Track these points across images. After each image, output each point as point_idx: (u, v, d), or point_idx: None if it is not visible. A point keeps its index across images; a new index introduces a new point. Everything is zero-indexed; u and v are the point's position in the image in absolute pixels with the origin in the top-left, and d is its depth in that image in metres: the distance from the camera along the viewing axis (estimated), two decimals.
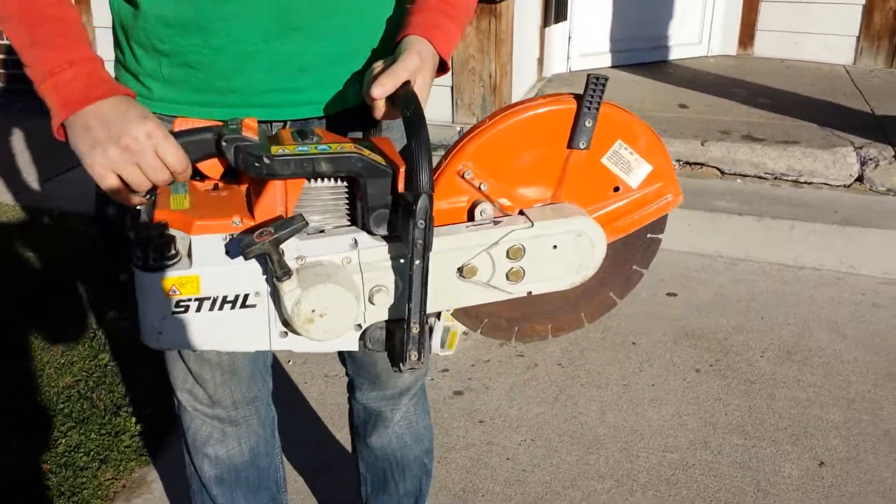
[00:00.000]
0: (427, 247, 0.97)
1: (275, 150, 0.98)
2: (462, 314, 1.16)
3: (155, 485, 2.05)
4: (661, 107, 4.03)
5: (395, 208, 1.01)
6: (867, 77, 4.60)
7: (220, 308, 1.00)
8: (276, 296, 1.00)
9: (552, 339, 2.64)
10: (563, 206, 1.10)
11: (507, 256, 1.07)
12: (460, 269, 1.06)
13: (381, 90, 1.04)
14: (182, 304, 0.98)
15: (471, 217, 1.08)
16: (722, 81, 4.46)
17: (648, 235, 1.19)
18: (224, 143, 0.98)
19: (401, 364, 1.04)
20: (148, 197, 1.03)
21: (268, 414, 1.49)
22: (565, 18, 4.54)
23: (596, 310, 1.23)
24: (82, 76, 0.99)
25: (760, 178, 3.46)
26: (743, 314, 2.81)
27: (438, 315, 1.14)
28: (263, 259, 0.98)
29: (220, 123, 1.01)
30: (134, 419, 2.21)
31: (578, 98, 1.05)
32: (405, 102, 1.03)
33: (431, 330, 1.13)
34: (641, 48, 4.88)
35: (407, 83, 1.05)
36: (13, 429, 2.16)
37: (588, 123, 1.06)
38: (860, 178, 3.38)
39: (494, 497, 2.03)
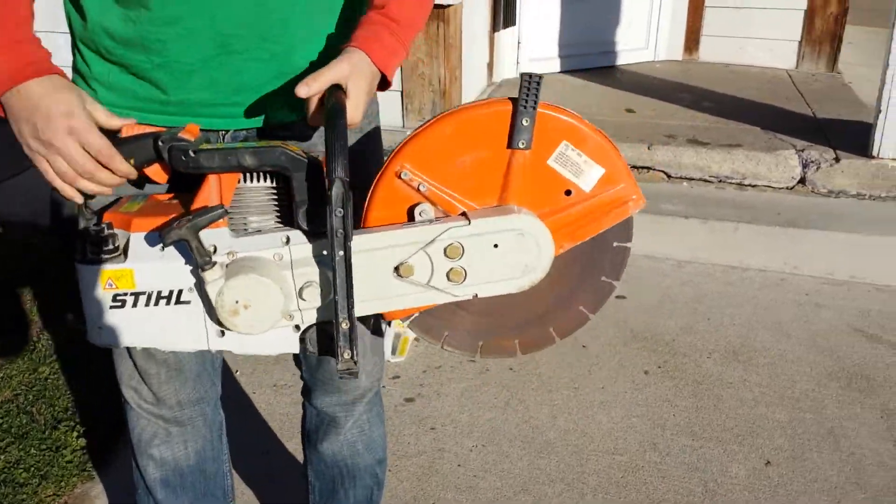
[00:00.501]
0: (347, 236, 0.97)
1: (204, 146, 1.00)
2: (422, 330, 1.15)
3: (98, 500, 2.01)
4: (608, 111, 4.07)
5: (317, 204, 1.02)
6: (809, 81, 4.70)
7: (156, 304, 1.02)
8: (201, 291, 1.02)
9: None
10: (507, 207, 1.09)
11: (446, 255, 1.06)
12: (397, 269, 1.06)
13: (305, 90, 1.04)
14: (119, 297, 1.01)
15: (410, 219, 1.07)
16: (668, 86, 4.52)
17: (615, 244, 1.16)
18: (160, 144, 1.00)
19: (337, 363, 1.03)
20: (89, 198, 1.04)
21: (215, 417, 1.46)
22: (514, 24, 4.56)
23: (566, 325, 1.20)
24: (12, 58, 1.00)
25: (706, 181, 3.52)
26: (690, 316, 2.85)
27: (389, 322, 1.13)
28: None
29: (155, 129, 1.03)
30: (75, 433, 2.15)
31: (514, 99, 1.04)
32: (328, 100, 1.04)
33: (382, 334, 1.12)
34: (590, 53, 4.93)
35: (336, 87, 1.05)
36: None
37: (525, 122, 1.04)
38: (802, 181, 3.45)
39: (446, 503, 2.02)
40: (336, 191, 0.95)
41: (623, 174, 1.11)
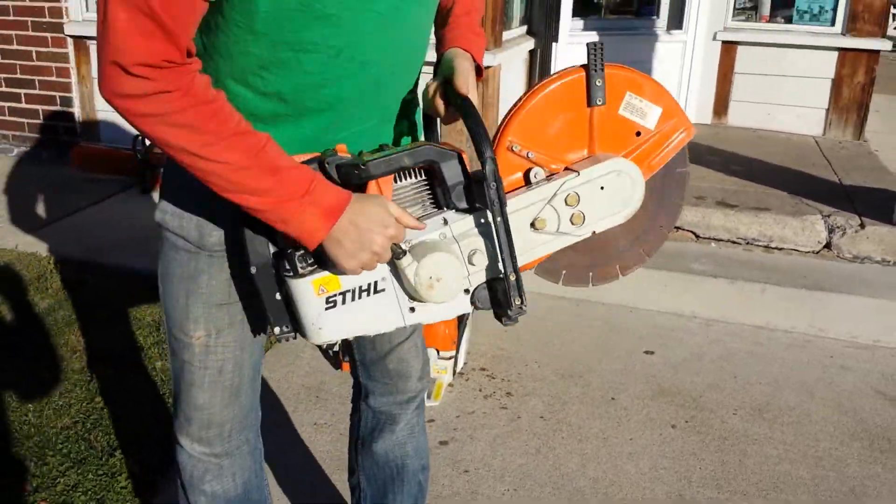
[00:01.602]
0: (503, 203, 1.19)
1: (367, 158, 1.18)
2: (543, 271, 1.39)
3: None
4: None
5: (469, 184, 1.21)
6: (836, 148, 4.82)
7: (360, 297, 1.20)
8: (398, 276, 1.20)
9: (535, 393, 2.75)
10: (600, 156, 1.35)
11: (566, 204, 1.31)
12: (532, 224, 1.29)
13: (466, 89, 1.27)
14: (331, 299, 1.19)
15: (528, 182, 1.31)
16: (698, 149, 4.65)
17: (678, 170, 1.43)
18: (327, 164, 1.17)
19: (508, 311, 1.23)
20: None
21: (257, 444, 1.58)
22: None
23: (652, 244, 1.46)
24: (327, 188, 1.13)
25: (733, 242, 3.62)
26: (716, 373, 2.93)
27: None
28: None
29: (317, 154, 1.20)
30: (130, 461, 2.27)
31: (584, 66, 1.29)
32: (455, 99, 1.28)
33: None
34: None
35: (449, 84, 1.30)
36: (10, 464, 2.22)
37: (598, 83, 1.30)
38: (828, 245, 3.55)
39: None
40: (489, 167, 1.17)
41: (675, 110, 1.37)
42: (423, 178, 1.24)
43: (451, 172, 1.21)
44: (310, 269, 1.18)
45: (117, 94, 1.03)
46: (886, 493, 2.35)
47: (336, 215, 1.11)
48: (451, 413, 2.64)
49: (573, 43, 4.82)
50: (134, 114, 1.05)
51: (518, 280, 1.22)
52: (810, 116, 5.11)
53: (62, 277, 3.26)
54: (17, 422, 2.39)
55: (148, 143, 4.17)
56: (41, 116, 4.70)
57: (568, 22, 4.73)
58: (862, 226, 3.51)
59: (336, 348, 2.86)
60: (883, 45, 4.98)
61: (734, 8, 5.20)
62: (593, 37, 4.92)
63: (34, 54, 4.59)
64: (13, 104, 4.73)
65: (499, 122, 1.33)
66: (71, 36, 4.52)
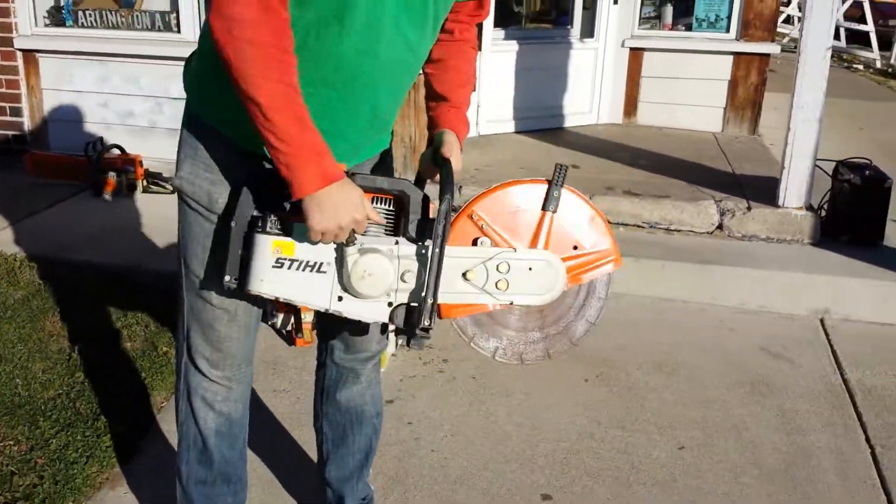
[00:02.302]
0: (444, 239, 1.48)
1: (355, 174, 1.53)
2: (469, 327, 1.73)
3: (133, 478, 2.41)
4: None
5: (424, 221, 1.55)
6: (732, 143, 5.36)
7: (303, 270, 1.51)
8: (340, 264, 1.51)
9: (467, 360, 3.13)
10: (539, 251, 1.65)
11: (497, 270, 1.59)
12: (464, 274, 1.59)
13: (449, 154, 1.67)
14: (280, 261, 1.50)
15: (474, 245, 1.65)
16: (609, 146, 5.13)
17: (598, 296, 1.74)
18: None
19: (416, 331, 1.53)
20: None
21: (251, 375, 1.92)
22: (475, 90, 5.13)
23: (559, 348, 1.80)
24: (332, 159, 1.45)
25: (638, 226, 4.08)
26: (623, 337, 3.37)
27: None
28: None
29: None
30: (113, 425, 2.57)
31: (549, 179, 1.62)
32: (440, 160, 1.67)
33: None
34: (540, 116, 5.54)
35: (438, 151, 1.70)
36: (11, 427, 2.51)
37: (556, 194, 1.61)
38: (720, 227, 4.04)
39: (422, 478, 2.48)
40: (444, 206, 1.47)
41: (610, 239, 1.69)
42: (392, 209, 1.58)
43: (415, 206, 1.54)
44: (276, 231, 1.50)
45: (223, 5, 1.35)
46: (763, 426, 2.81)
47: (329, 181, 1.43)
48: (395, 377, 3.01)
49: (496, 51, 5.24)
50: (223, 15, 1.35)
51: (433, 306, 1.51)
52: (710, 115, 5.64)
53: (31, 272, 3.52)
54: (8, 394, 2.67)
55: (99, 147, 4.43)
56: None
57: (490, 32, 5.16)
58: (749, 208, 4.01)
59: (289, 328, 3.21)
60: (772, 48, 5.54)
61: (640, 18, 5.71)
62: (514, 46, 5.35)
63: None
64: None
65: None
66: (20, 49, 4.74)
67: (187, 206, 1.68)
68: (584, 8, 5.55)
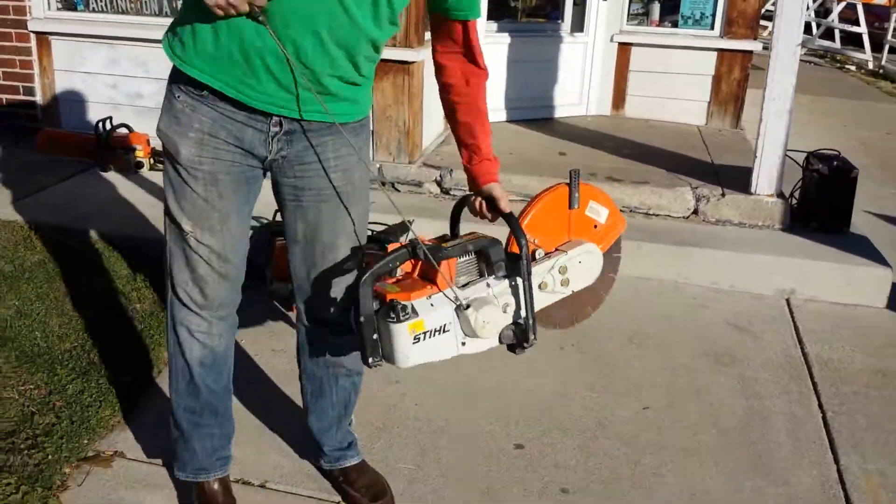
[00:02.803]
0: (530, 273, 1.87)
1: (445, 245, 1.84)
2: (543, 322, 2.10)
3: (140, 425, 2.64)
4: (544, 153, 4.87)
5: (507, 260, 1.90)
6: (714, 135, 5.58)
7: (434, 336, 1.80)
8: (460, 320, 1.82)
9: None
10: (574, 241, 2.09)
11: (559, 273, 2.02)
12: (540, 286, 1.98)
13: (508, 209, 1.97)
14: (417, 337, 1.78)
15: (534, 258, 2.02)
16: (596, 136, 5.35)
17: (614, 255, 2.20)
18: (418, 249, 1.79)
19: (524, 344, 1.91)
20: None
21: (235, 319, 2.15)
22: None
23: (596, 303, 2.27)
24: None
25: (620, 210, 4.30)
26: (600, 312, 3.58)
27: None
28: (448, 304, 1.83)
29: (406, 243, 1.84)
30: (123, 374, 2.80)
31: (566, 184, 2.04)
32: (503, 213, 1.98)
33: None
34: (531, 107, 5.76)
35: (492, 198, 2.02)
36: (32, 374, 2.74)
37: (575, 194, 2.05)
38: (696, 212, 4.27)
39: (406, 428, 2.71)
40: (524, 251, 1.86)
41: (615, 212, 2.14)
42: (473, 256, 1.90)
43: (496, 253, 1.89)
44: (404, 317, 1.75)
45: None
46: (724, 391, 3.04)
47: None
48: None
49: (489, 43, 5.45)
50: None
51: (534, 323, 1.88)
52: (694, 108, 5.86)
53: (46, 239, 3.75)
54: (28, 345, 2.90)
55: (108, 126, 4.65)
56: (5, 105, 5.13)
57: (483, 24, 5.37)
58: (723, 195, 4.24)
59: (288, 295, 3.43)
60: (755, 46, 5.76)
61: (628, 14, 5.92)
62: (506, 38, 5.57)
63: None
64: None
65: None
66: (34, 32, 4.96)
67: (165, 155, 1.93)
68: (575, 4, 5.76)
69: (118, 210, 4.14)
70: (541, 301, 1.98)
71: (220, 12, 1.64)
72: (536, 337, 1.89)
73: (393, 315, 1.73)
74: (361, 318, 1.74)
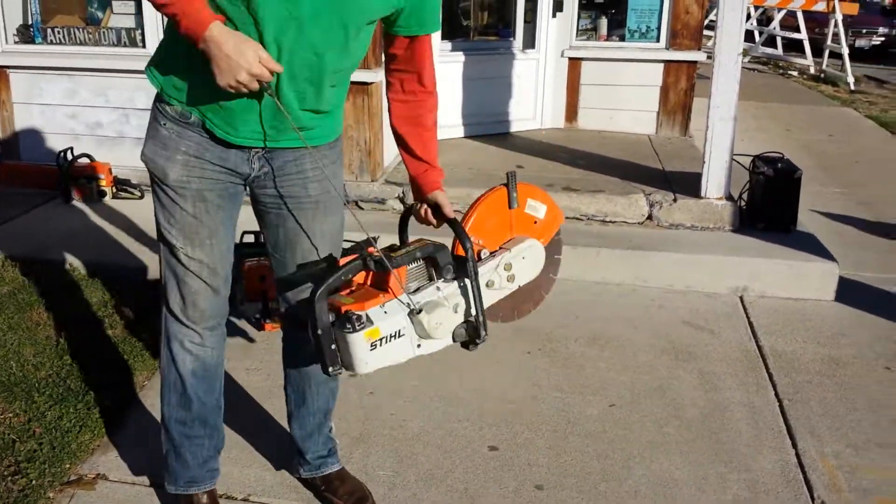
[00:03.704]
0: (477, 274, 1.95)
1: (395, 254, 1.90)
2: (490, 317, 2.14)
3: (121, 447, 2.69)
4: (502, 167, 5.00)
5: (454, 263, 1.97)
6: (665, 143, 5.77)
7: (389, 341, 1.86)
8: (414, 324, 1.89)
9: None
10: (517, 238, 2.15)
11: (505, 269, 2.08)
12: (487, 284, 2.05)
13: (451, 214, 2.05)
14: (374, 344, 1.84)
15: (479, 258, 2.06)
16: (551, 148, 5.51)
17: (555, 256, 2.28)
18: (367, 259, 1.86)
19: (476, 340, 1.98)
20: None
21: (224, 332, 2.23)
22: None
23: (538, 301, 2.31)
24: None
25: (577, 218, 4.45)
26: (563, 316, 3.72)
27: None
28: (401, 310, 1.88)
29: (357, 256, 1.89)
30: (102, 398, 2.84)
31: (504, 185, 2.08)
32: (447, 218, 2.07)
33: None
34: (487, 122, 5.90)
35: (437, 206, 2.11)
36: (10, 402, 2.76)
37: (514, 194, 2.10)
38: (650, 217, 4.43)
39: (383, 437, 2.79)
40: (470, 254, 1.93)
41: (553, 207, 2.23)
42: (422, 262, 1.96)
43: (444, 258, 1.95)
44: (360, 326, 1.81)
45: None
46: (685, 386, 3.18)
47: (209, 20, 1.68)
48: None
49: (444, 62, 5.58)
50: None
51: (484, 320, 1.97)
52: (644, 118, 6.05)
53: (14, 271, 3.77)
54: (4, 374, 2.93)
55: (70, 157, 4.67)
56: None
57: (438, 43, 5.51)
58: (675, 200, 4.40)
59: (258, 315, 3.50)
60: (699, 56, 5.98)
61: (577, 30, 6.11)
62: (461, 57, 5.70)
63: None
64: None
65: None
66: None
67: (152, 179, 2.02)
68: (525, 21, 5.93)
69: (85, 238, 4.17)
70: (489, 298, 2.06)
71: (233, 91, 1.76)
72: (488, 333, 1.97)
73: (349, 326, 1.79)
74: (319, 331, 1.80)
